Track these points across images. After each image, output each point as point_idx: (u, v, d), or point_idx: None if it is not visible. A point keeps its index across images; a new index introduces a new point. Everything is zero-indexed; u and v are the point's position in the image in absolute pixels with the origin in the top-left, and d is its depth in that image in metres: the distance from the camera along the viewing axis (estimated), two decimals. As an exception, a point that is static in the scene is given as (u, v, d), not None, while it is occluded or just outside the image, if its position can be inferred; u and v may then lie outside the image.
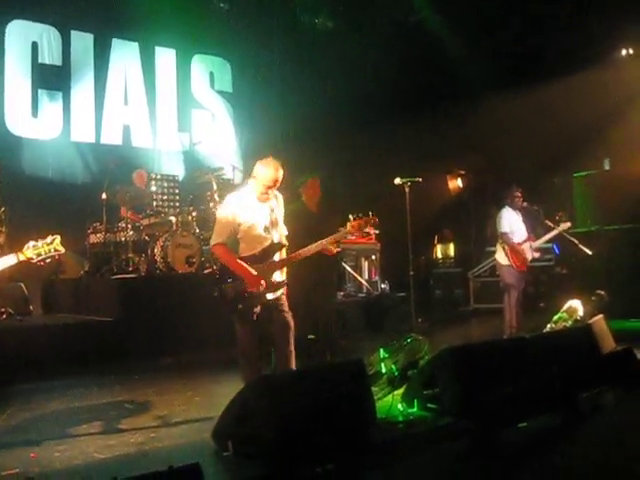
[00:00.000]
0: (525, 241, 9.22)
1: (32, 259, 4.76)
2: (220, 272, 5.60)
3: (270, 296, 5.49)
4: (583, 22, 12.95)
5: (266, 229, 5.55)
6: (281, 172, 5.51)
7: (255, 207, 5.55)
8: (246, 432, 4.36)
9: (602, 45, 12.98)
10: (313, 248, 5.84)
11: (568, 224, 9.35)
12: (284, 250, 5.73)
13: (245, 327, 5.52)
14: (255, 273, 5.34)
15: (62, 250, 4.88)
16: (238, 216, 5.50)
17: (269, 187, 5.50)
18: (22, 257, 4.75)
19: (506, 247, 9.10)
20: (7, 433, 5.23)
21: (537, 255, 9.39)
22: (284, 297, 5.64)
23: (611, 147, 12.44)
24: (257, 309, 5.43)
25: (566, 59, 12.63)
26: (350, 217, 6.35)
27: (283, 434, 4.17)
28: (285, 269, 5.74)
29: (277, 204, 5.71)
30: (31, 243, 4.77)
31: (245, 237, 5.51)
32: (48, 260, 4.86)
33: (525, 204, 9.48)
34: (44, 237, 4.84)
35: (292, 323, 5.57)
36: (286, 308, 5.60)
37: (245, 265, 5.36)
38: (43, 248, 4.79)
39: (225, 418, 4.61)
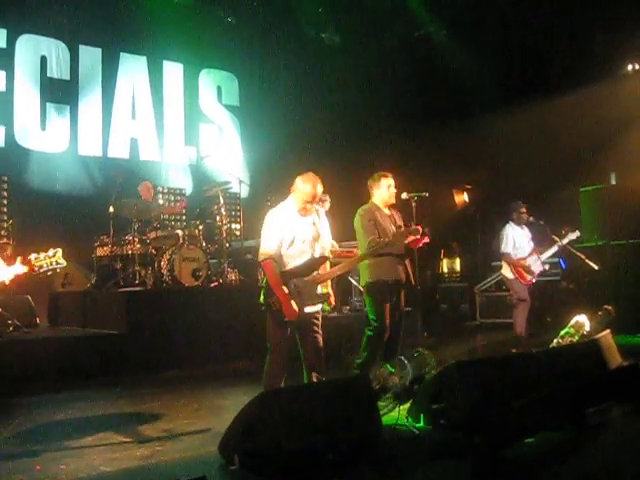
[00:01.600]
0: (530, 254, 9.30)
1: (33, 271, 4.77)
2: (267, 285, 5.64)
3: (309, 309, 5.60)
4: (589, 37, 12.99)
5: (309, 243, 5.66)
6: (320, 187, 5.68)
7: (297, 221, 5.66)
8: (252, 446, 4.35)
9: (608, 60, 13.01)
10: (356, 260, 6.49)
11: (577, 233, 9.39)
12: (328, 263, 5.91)
13: (282, 336, 5.60)
14: (294, 306, 5.42)
15: (64, 263, 4.88)
16: (282, 230, 5.60)
17: (308, 202, 5.63)
18: (24, 270, 4.77)
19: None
20: (13, 445, 5.23)
21: (546, 267, 9.45)
22: (320, 313, 5.77)
23: (617, 161, 12.43)
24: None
25: (573, 73, 12.69)
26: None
27: (288, 449, 4.15)
28: (329, 282, 5.94)
29: (319, 218, 5.84)
30: (33, 255, 4.79)
31: (288, 251, 5.62)
32: (49, 273, 4.87)
33: (531, 219, 9.52)
34: (46, 250, 4.85)
35: (321, 342, 5.69)
36: (319, 325, 5.72)
37: (285, 293, 5.44)
38: (45, 261, 4.79)
39: (232, 431, 4.60)
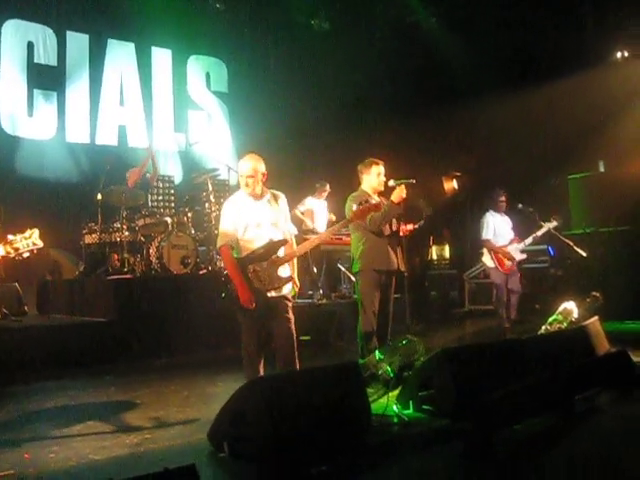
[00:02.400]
0: (510, 243, 9.53)
1: (9, 253, 4.70)
2: (226, 274, 5.65)
3: (273, 294, 5.51)
4: (578, 24, 12.99)
5: (265, 227, 5.58)
6: (257, 165, 5.60)
7: (248, 205, 5.61)
8: (241, 433, 4.37)
9: (597, 47, 13.02)
10: (315, 240, 6.17)
11: (555, 223, 9.50)
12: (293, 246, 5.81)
13: (248, 325, 5.56)
14: (249, 291, 5.37)
15: (40, 244, 4.79)
16: (234, 216, 5.57)
17: (251, 182, 5.55)
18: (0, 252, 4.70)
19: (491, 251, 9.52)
20: (1, 433, 5.21)
21: (524, 256, 9.66)
22: (289, 297, 5.66)
23: (606, 149, 12.46)
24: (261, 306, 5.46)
25: (561, 61, 12.68)
26: (354, 206, 6.38)
27: (278, 436, 4.16)
28: (294, 265, 5.78)
29: (276, 202, 5.73)
30: (9, 237, 4.73)
31: (244, 236, 5.56)
32: (26, 255, 4.79)
33: (520, 206, 9.62)
34: (23, 232, 4.79)
35: (293, 326, 5.58)
36: (289, 310, 5.61)
37: (242, 278, 5.41)
38: (21, 242, 4.72)
39: (221, 419, 4.61)
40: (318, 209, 11.12)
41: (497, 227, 9.60)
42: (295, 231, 5.96)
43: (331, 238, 10.61)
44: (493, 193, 9.89)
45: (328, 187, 11.29)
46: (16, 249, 4.71)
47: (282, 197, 5.82)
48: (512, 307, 9.50)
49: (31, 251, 4.78)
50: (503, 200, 9.74)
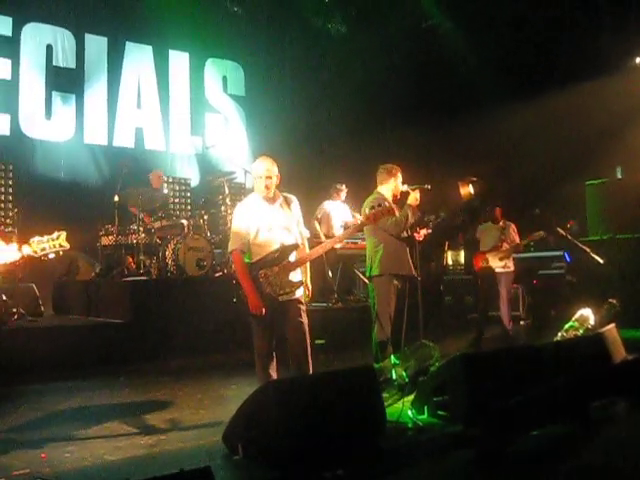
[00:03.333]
0: (491, 250, 10.06)
1: (36, 253, 4.74)
2: (236, 278, 5.61)
3: (285, 298, 5.44)
4: (596, 30, 12.93)
5: (277, 231, 5.51)
6: (271, 166, 5.54)
7: (261, 209, 5.55)
8: (256, 436, 4.37)
9: (615, 53, 12.95)
10: (329, 244, 6.08)
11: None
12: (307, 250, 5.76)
13: (260, 329, 5.48)
14: (258, 299, 5.32)
15: (67, 246, 4.85)
16: (245, 220, 5.52)
17: (264, 184, 5.50)
18: (27, 251, 4.74)
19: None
20: (18, 433, 5.25)
21: (500, 264, 10.08)
22: (301, 299, 5.58)
23: (623, 155, 12.38)
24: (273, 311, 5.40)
25: (579, 67, 12.62)
26: (367, 210, 6.35)
27: (293, 439, 4.16)
28: (307, 270, 5.73)
29: (288, 207, 5.68)
30: (36, 238, 4.76)
31: (256, 240, 5.49)
32: (52, 256, 4.84)
33: (537, 211, 9.68)
34: (50, 233, 4.84)
35: (307, 329, 5.51)
36: (302, 313, 5.53)
37: (251, 285, 5.37)
38: (48, 243, 4.76)
39: (235, 421, 4.61)
40: (335, 212, 11.02)
41: (483, 235, 10.37)
42: (308, 234, 5.90)
43: (347, 243, 10.61)
44: (490, 208, 10.49)
45: (344, 187, 11.16)
46: (43, 249, 4.75)
47: (294, 200, 5.75)
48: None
49: (57, 252, 4.82)
50: (497, 213, 10.31)
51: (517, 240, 10.15)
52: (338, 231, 10.62)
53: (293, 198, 5.76)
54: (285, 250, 5.47)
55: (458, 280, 14.44)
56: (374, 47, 14.31)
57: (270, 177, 5.52)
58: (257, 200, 5.61)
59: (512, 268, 10.17)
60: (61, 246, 4.82)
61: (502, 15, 13.42)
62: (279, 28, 14.73)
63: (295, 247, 5.56)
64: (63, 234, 4.85)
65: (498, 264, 10.02)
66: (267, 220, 5.51)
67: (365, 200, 6.99)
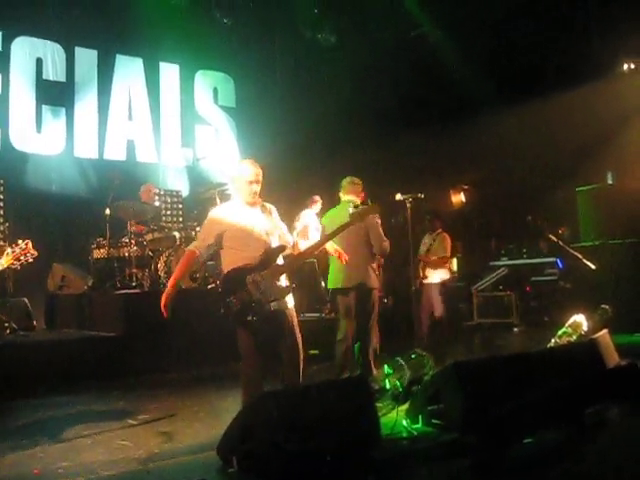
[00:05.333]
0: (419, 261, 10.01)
1: (13, 264, 4.89)
2: (222, 286, 5.41)
3: (275, 305, 5.28)
4: (585, 36, 13.01)
5: (258, 235, 5.39)
6: (259, 171, 5.50)
7: (246, 214, 5.46)
8: (250, 448, 4.35)
9: (604, 59, 13.02)
10: (317, 246, 5.87)
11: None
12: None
13: (251, 339, 5.27)
14: (170, 297, 5.34)
15: (35, 253, 5.15)
16: (216, 225, 5.44)
17: (256, 182, 5.46)
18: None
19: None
20: (10, 448, 5.21)
21: (423, 275, 10.02)
22: (293, 308, 5.45)
23: (614, 161, 12.45)
24: (264, 319, 5.23)
25: (568, 73, 12.68)
26: (350, 209, 6.32)
27: (287, 450, 4.15)
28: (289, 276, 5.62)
29: (270, 213, 5.60)
30: (8, 250, 4.92)
31: (236, 244, 5.36)
32: (18, 267, 5.19)
33: (529, 218, 9.67)
34: (16, 244, 5.18)
35: (300, 338, 5.41)
36: (295, 321, 5.42)
37: (176, 281, 5.40)
38: (12, 255, 5.05)
39: (229, 434, 4.60)
40: (312, 221, 11.00)
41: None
42: (292, 239, 5.83)
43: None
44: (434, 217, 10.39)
45: (318, 198, 11.17)
46: (17, 258, 4.87)
47: (273, 209, 5.67)
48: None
49: (26, 261, 4.98)
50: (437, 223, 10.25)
51: (442, 253, 10.02)
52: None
53: (272, 207, 5.68)
54: (272, 253, 5.35)
55: (451, 288, 14.47)
56: (364, 57, 14.34)
57: (259, 182, 5.47)
58: (239, 205, 5.52)
59: (436, 280, 10.01)
60: (32, 254, 4.97)
61: (491, 22, 13.47)
62: (269, 39, 14.77)
63: (282, 249, 5.45)
64: (29, 243, 4.99)
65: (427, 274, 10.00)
66: (250, 224, 5.41)
67: (330, 210, 7.09)
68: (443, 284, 10.02)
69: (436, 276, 9.94)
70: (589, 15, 13.13)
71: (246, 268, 5.24)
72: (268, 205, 5.65)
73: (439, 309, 9.88)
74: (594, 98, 12.33)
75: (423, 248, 10.12)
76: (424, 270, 9.89)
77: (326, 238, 6.13)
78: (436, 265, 9.95)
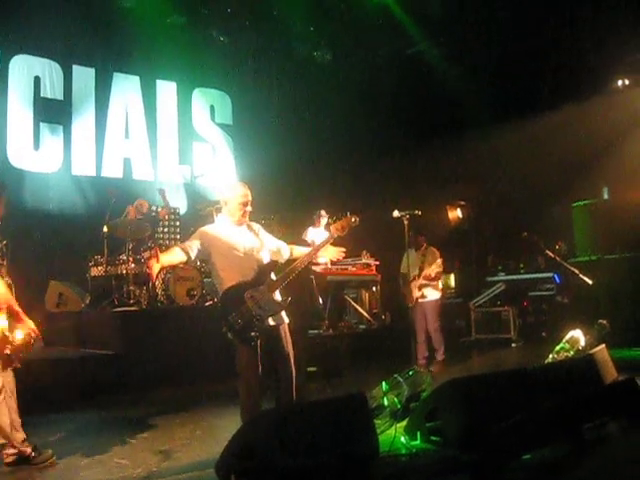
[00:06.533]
0: (412, 280, 9.65)
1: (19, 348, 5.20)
2: (222, 303, 5.44)
3: (271, 322, 5.34)
4: (579, 53, 13.10)
5: (247, 252, 5.48)
6: (249, 193, 5.59)
7: (235, 232, 5.56)
8: (248, 466, 4.34)
9: (598, 76, 13.12)
10: (306, 258, 5.75)
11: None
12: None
13: (252, 355, 5.25)
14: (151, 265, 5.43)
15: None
16: (212, 240, 5.50)
17: (244, 204, 5.54)
18: None
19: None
20: (6, 467, 5.19)
21: (419, 293, 9.73)
22: (286, 325, 5.50)
23: (609, 176, 12.50)
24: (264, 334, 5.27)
25: (563, 90, 12.77)
26: (329, 221, 6.29)
27: (285, 468, 4.14)
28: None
29: (255, 231, 5.70)
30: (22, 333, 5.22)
31: (232, 263, 5.43)
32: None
33: (525, 234, 9.66)
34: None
35: (292, 355, 5.44)
36: (288, 338, 5.47)
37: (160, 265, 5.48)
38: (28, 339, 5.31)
39: (228, 452, 4.58)
40: (318, 239, 11.06)
41: (411, 264, 9.73)
42: (287, 246, 5.87)
43: (337, 269, 10.65)
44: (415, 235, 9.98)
45: (324, 213, 11.17)
46: (28, 343, 5.13)
47: (259, 227, 5.79)
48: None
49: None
50: (421, 240, 9.93)
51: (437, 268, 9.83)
52: (323, 258, 10.63)
53: (258, 225, 5.81)
54: (265, 268, 5.45)
55: (448, 304, 14.48)
56: (360, 74, 14.44)
57: (251, 203, 5.59)
58: (226, 224, 5.64)
59: (434, 297, 9.87)
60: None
61: (486, 39, 13.57)
62: (266, 57, 14.84)
63: (274, 264, 5.56)
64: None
65: (417, 293, 9.76)
66: (241, 243, 5.51)
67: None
68: (441, 300, 9.99)
69: (434, 293, 9.86)
70: (583, 32, 13.22)
71: (243, 285, 5.32)
72: (254, 224, 5.78)
73: (436, 323, 9.78)
74: (589, 114, 12.42)
75: (412, 267, 9.67)
76: (420, 288, 9.74)
77: (315, 250, 6.13)
78: (435, 281, 9.85)
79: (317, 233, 11.14)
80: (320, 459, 4.32)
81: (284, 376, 5.41)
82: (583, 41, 13.00)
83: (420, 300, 9.73)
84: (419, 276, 9.71)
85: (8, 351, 5.19)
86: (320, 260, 10.39)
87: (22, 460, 5.17)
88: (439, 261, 9.74)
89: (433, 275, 9.71)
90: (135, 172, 13.02)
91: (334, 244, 5.88)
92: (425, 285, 9.73)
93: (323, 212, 11.14)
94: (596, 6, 12.57)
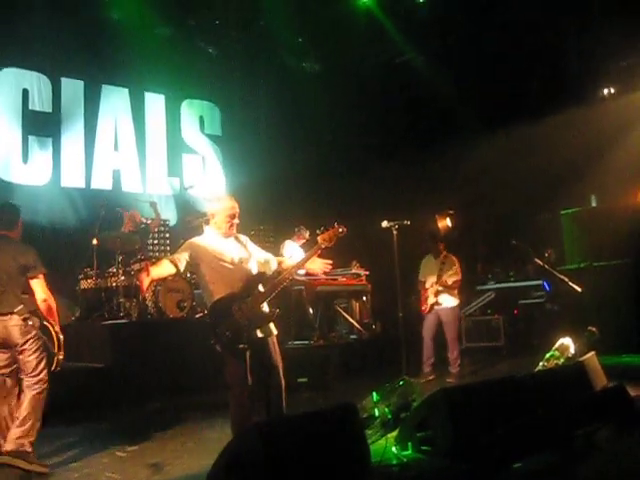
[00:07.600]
0: (429, 287, 9.90)
1: None
2: (210, 316, 5.47)
3: (259, 334, 5.36)
4: (565, 62, 13.19)
5: (239, 262, 5.51)
6: (236, 205, 5.64)
7: (222, 244, 5.57)
8: (238, 479, 4.33)
9: (584, 84, 13.21)
10: (294, 269, 5.79)
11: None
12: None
13: (240, 367, 5.28)
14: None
15: None
16: (200, 252, 5.51)
17: (232, 216, 5.57)
18: None
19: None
20: (-2, 483, 5.18)
21: (434, 300, 9.86)
22: (274, 337, 5.52)
23: (597, 183, 12.55)
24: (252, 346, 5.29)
25: (551, 98, 12.84)
26: (317, 231, 6.28)
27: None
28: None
29: (243, 242, 5.73)
30: None
31: (220, 275, 5.45)
32: None
33: (514, 242, 9.71)
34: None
35: (281, 366, 5.47)
36: (277, 350, 5.49)
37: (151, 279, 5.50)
38: None
39: (218, 465, 4.57)
40: (296, 254, 10.98)
41: (427, 272, 10.10)
42: (274, 258, 5.88)
43: (327, 279, 10.65)
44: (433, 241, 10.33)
45: (307, 235, 11.05)
46: None
47: (247, 239, 5.82)
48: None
49: None
50: (441, 248, 10.14)
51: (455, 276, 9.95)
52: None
53: (245, 237, 5.83)
54: (253, 280, 5.47)
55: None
56: (348, 84, 14.46)
57: (237, 215, 5.62)
58: (214, 236, 5.64)
59: (452, 304, 9.97)
60: None
61: (473, 48, 13.64)
62: (254, 67, 14.88)
63: (262, 276, 5.58)
64: None
65: (434, 299, 9.88)
66: (228, 254, 5.53)
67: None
68: (458, 307, 10.19)
69: (451, 300, 9.92)
70: (569, 40, 13.32)
71: (230, 297, 5.35)
72: (241, 236, 5.80)
73: (453, 332, 9.94)
74: (576, 122, 12.49)
75: (431, 274, 9.95)
76: (436, 295, 9.80)
77: (303, 261, 6.12)
78: (452, 289, 9.92)
79: (295, 248, 11.09)
80: (310, 471, 4.32)
81: (273, 387, 5.43)
82: (569, 50, 13.10)
83: (435, 307, 9.82)
84: (437, 283, 9.80)
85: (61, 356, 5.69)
86: (300, 272, 10.34)
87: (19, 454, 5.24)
88: (456, 268, 9.80)
89: (450, 283, 9.78)
90: (124, 184, 13.00)
91: (321, 255, 5.86)
92: (441, 292, 9.80)
93: (303, 228, 11.12)
94: (581, 15, 12.67)
